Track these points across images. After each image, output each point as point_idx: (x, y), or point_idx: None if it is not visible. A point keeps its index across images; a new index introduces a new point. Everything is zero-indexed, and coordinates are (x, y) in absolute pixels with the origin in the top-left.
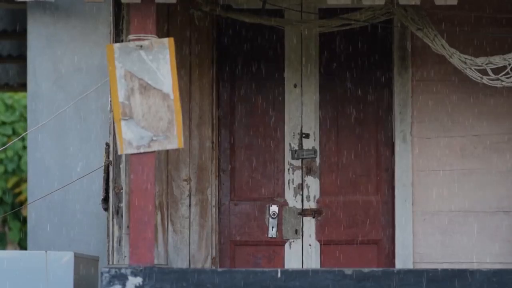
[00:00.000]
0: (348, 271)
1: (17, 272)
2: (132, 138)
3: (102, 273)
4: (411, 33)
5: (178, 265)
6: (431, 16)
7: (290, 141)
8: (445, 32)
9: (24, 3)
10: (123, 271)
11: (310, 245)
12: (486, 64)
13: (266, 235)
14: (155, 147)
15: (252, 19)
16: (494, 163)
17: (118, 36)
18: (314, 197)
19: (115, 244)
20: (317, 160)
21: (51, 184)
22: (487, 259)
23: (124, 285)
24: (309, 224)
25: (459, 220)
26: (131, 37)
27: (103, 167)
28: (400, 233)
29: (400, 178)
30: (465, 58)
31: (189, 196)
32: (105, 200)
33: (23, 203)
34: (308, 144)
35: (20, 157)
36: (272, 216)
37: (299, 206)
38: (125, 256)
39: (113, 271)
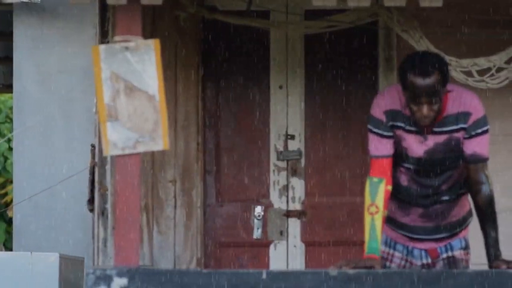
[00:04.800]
0: (333, 272)
1: (2, 273)
2: (117, 139)
3: (87, 274)
4: (397, 35)
5: (163, 266)
6: (416, 17)
7: (275, 143)
8: (430, 33)
9: (10, 4)
10: (108, 272)
11: (295, 246)
12: (471, 65)
13: (251, 236)
14: (141, 148)
15: (237, 20)
16: None
17: (104, 37)
18: (299, 198)
19: (100, 245)
20: (303, 161)
21: (37, 185)
22: None
23: (109, 286)
24: (294, 225)
25: None
26: (116, 38)
27: (88, 169)
28: None
29: None
30: (450, 60)
31: (175, 197)
32: (91, 201)
33: (8, 204)
34: (293, 145)
35: (6, 158)
36: (257, 218)
37: (284, 207)
38: (110, 257)
39: (98, 272)
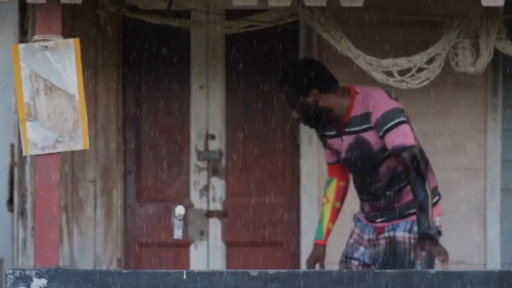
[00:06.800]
0: (254, 272)
1: None
2: (37, 139)
3: (6, 275)
4: (318, 35)
5: (83, 266)
6: (337, 18)
7: (196, 143)
8: (351, 33)
9: None
10: (27, 272)
11: (216, 246)
12: (392, 66)
13: (172, 236)
14: (60, 148)
15: (158, 20)
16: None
17: (23, 36)
18: (220, 198)
19: (20, 246)
20: (223, 161)
21: None
22: None
23: (28, 286)
24: (215, 226)
25: None
26: (36, 37)
27: (8, 168)
28: (305, 234)
29: (305, 180)
30: (371, 60)
31: (95, 197)
32: (10, 201)
33: None
34: (214, 145)
35: None
36: (178, 218)
37: (205, 207)
38: (30, 258)
39: (17, 273)
